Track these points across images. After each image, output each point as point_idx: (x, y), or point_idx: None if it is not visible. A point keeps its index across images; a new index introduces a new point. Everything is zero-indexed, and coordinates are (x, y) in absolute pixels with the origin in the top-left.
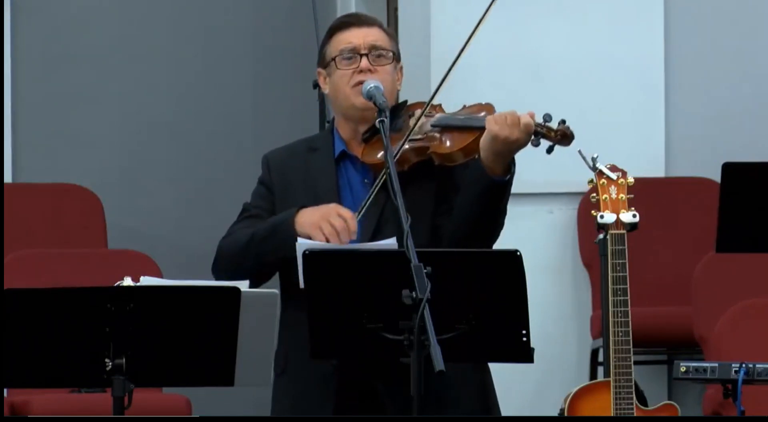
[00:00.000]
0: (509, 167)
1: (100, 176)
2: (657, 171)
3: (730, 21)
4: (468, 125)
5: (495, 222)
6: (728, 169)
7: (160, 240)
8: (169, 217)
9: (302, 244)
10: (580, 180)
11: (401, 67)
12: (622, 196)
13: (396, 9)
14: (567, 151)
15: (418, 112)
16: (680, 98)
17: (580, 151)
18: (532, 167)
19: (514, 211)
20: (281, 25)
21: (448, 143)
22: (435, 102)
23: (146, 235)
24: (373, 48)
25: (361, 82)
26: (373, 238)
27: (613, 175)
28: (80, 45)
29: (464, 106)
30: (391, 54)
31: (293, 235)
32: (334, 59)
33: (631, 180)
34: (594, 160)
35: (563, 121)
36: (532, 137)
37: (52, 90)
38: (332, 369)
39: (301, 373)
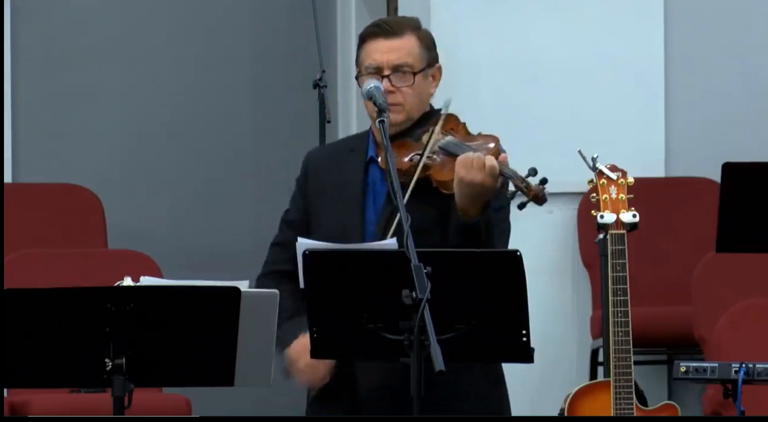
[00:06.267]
0: (484, 209)
1: (100, 176)
2: (657, 171)
3: (730, 21)
4: None
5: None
6: (728, 169)
7: (160, 240)
8: (169, 217)
9: (302, 244)
10: (580, 180)
11: (439, 67)
12: (622, 196)
13: (396, 9)
14: (566, 151)
15: (431, 128)
16: (680, 98)
17: (580, 151)
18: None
19: (514, 210)
20: (281, 25)
21: (444, 170)
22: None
23: (146, 235)
24: (395, 68)
25: None
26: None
27: (613, 175)
28: (80, 45)
29: (479, 134)
30: (414, 70)
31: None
32: (359, 74)
33: (631, 180)
34: (594, 160)
35: (544, 181)
36: (510, 190)
37: (52, 90)
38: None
39: None
